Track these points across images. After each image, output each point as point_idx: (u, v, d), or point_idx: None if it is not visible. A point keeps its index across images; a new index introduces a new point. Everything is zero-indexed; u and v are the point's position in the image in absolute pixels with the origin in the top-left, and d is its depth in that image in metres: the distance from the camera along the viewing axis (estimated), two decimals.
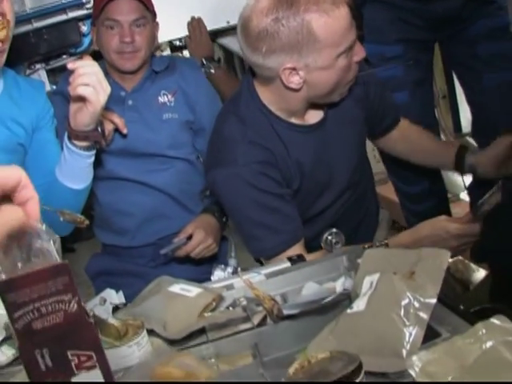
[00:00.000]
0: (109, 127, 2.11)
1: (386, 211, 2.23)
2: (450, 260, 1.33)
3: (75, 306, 0.81)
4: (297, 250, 1.79)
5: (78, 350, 0.83)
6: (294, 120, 1.89)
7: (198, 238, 2.17)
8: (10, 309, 0.77)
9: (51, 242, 0.82)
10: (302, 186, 1.90)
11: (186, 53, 3.20)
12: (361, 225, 2.09)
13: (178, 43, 3.03)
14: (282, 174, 1.84)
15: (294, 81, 1.75)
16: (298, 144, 1.87)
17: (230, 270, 2.01)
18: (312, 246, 1.86)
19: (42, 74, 2.62)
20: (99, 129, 1.78)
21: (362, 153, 2.07)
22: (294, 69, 1.72)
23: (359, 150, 2.03)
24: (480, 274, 2.87)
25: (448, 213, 2.72)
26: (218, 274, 1.98)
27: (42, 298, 0.78)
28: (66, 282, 0.80)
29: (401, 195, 2.77)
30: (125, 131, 2.16)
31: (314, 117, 1.92)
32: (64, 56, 2.61)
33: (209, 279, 1.91)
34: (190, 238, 2.19)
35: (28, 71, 2.60)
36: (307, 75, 1.74)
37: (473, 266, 2.95)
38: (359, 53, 1.78)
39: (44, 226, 0.81)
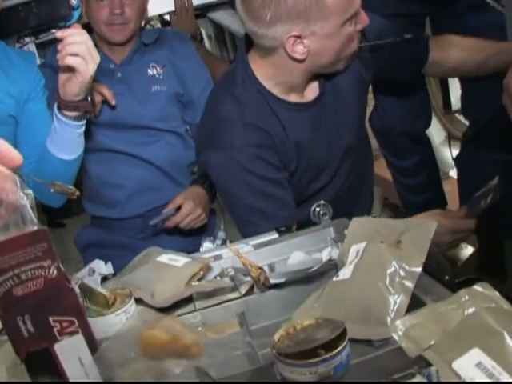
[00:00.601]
0: (97, 99, 2.11)
1: (378, 188, 2.22)
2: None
3: (55, 271, 0.81)
4: None
5: (59, 315, 0.83)
6: (291, 97, 1.84)
7: (187, 208, 2.18)
8: None
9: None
10: (300, 166, 1.87)
11: None
12: (358, 203, 2.08)
13: (168, 17, 3.01)
14: (279, 156, 1.81)
15: (299, 50, 1.70)
16: (295, 123, 1.83)
17: (218, 242, 2.02)
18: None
19: (31, 48, 2.61)
20: (89, 98, 1.77)
21: (361, 128, 2.03)
22: (299, 37, 1.67)
23: (357, 126, 1.99)
24: (468, 250, 2.91)
25: (440, 187, 2.78)
26: (206, 245, 1.99)
27: (22, 264, 0.78)
28: (45, 248, 0.80)
29: (393, 169, 2.79)
30: (113, 103, 2.16)
31: (311, 93, 1.88)
32: (53, 30, 2.60)
33: (198, 251, 1.92)
34: (179, 209, 2.20)
35: (17, 45, 2.59)
36: (312, 44, 1.69)
37: (461, 243, 2.98)
38: (363, 21, 1.73)
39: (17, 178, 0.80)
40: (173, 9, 2.70)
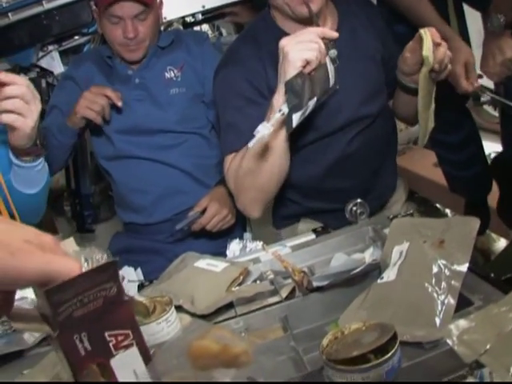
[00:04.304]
0: (103, 103, 2.11)
1: (403, 178, 2.19)
2: None
3: (115, 289, 0.80)
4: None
5: (115, 329, 0.82)
6: None
7: (213, 210, 2.17)
8: (53, 307, 0.76)
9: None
10: None
11: (197, 29, 3.17)
12: (379, 173, 2.00)
13: (190, 19, 2.99)
14: (269, 86, 1.79)
15: None
16: None
17: (244, 243, 2.01)
18: (323, 186, 1.90)
19: (54, 56, 2.61)
20: (38, 142, 1.73)
21: (377, 87, 1.93)
22: None
23: (372, 83, 1.91)
24: (501, 243, 2.88)
25: (486, 160, 2.84)
26: (233, 247, 1.97)
27: (86, 290, 0.78)
28: (111, 273, 0.79)
29: (440, 148, 2.86)
30: (119, 104, 2.15)
31: None
32: (76, 37, 2.60)
33: (225, 253, 1.91)
34: (204, 211, 2.19)
35: (41, 53, 2.59)
36: None
37: (493, 235, 2.95)
38: None
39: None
40: (194, 11, 2.68)
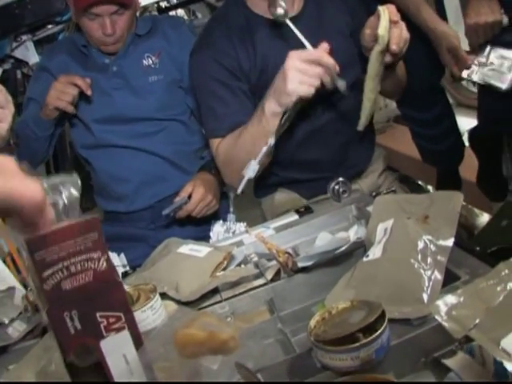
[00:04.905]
0: (73, 92, 2.08)
1: (382, 149, 2.18)
2: None
3: (104, 264, 0.78)
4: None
5: (106, 311, 0.80)
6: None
7: (198, 196, 2.15)
8: (39, 268, 0.74)
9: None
10: (264, 78, 1.85)
11: (172, 14, 3.14)
12: (352, 145, 1.98)
13: (165, 4, 2.97)
14: (240, 66, 1.86)
15: None
16: (266, 37, 1.86)
17: (228, 224, 1.99)
18: (296, 158, 1.91)
19: (29, 46, 2.57)
20: (11, 141, 1.71)
21: (346, 61, 1.84)
22: None
23: (341, 56, 1.76)
24: (483, 218, 2.89)
25: (459, 132, 2.85)
26: (216, 229, 1.96)
27: (72, 255, 0.76)
28: (95, 238, 0.78)
29: (415, 124, 2.86)
30: (89, 93, 2.12)
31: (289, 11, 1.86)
32: (50, 26, 2.55)
33: (208, 236, 1.92)
34: (189, 197, 2.17)
35: (14, 44, 2.55)
36: None
37: (476, 210, 2.96)
38: None
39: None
40: None
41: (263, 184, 2.10)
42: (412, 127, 2.89)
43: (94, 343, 0.80)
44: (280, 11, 1.66)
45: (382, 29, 1.52)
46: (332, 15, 1.89)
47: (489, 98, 2.30)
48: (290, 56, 1.53)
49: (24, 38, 2.53)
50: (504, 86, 2.08)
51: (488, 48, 2.14)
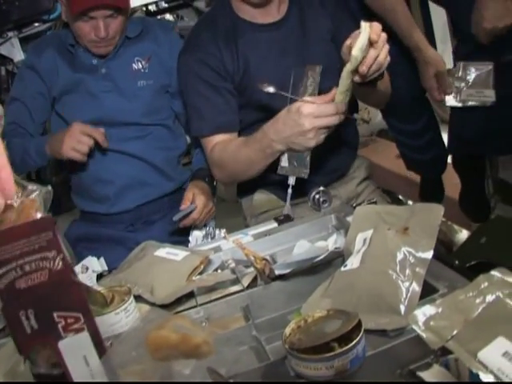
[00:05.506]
0: (90, 143, 2.07)
1: (364, 159, 2.19)
2: None
3: (60, 263, 0.76)
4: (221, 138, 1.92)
5: (64, 311, 0.79)
6: (258, 19, 1.93)
7: (201, 204, 2.13)
8: None
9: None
10: (246, 79, 1.92)
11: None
12: (332, 152, 1.99)
13: (153, 8, 2.96)
14: (224, 66, 1.91)
15: None
16: (249, 41, 1.92)
17: (208, 230, 1.98)
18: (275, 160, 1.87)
19: (14, 43, 2.54)
20: None
21: (330, 65, 1.85)
22: None
23: (325, 62, 1.84)
24: (463, 234, 2.89)
25: (443, 142, 2.87)
26: (195, 233, 1.95)
27: (25, 254, 0.74)
28: (50, 237, 0.76)
29: (401, 135, 2.93)
30: (106, 145, 2.12)
31: (275, 15, 1.95)
32: (37, 24, 2.53)
33: (187, 241, 1.92)
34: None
35: (0, 40, 2.52)
36: None
37: (455, 227, 2.97)
38: None
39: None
40: None
41: (244, 185, 2.12)
42: (397, 138, 2.95)
43: (52, 343, 0.78)
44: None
45: (357, 50, 1.43)
46: (314, 20, 1.93)
47: (459, 121, 2.34)
48: (306, 115, 1.57)
49: (10, 34, 2.51)
50: (492, 97, 2.14)
51: (461, 65, 2.17)
